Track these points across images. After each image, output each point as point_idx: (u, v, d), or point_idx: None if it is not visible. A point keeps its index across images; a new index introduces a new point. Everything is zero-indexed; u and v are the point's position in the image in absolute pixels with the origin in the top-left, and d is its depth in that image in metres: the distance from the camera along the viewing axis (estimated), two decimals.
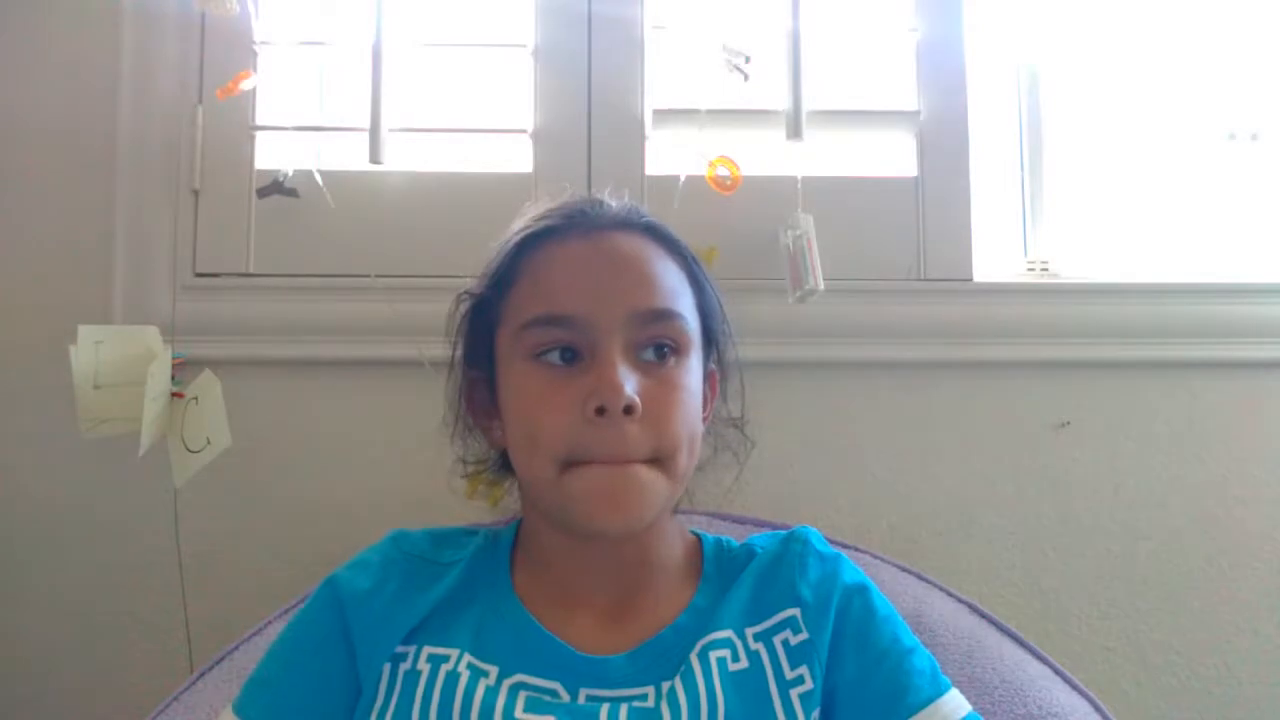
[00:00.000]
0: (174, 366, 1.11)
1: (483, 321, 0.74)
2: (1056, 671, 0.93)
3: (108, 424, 1.08)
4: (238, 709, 0.68)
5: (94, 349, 1.07)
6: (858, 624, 0.69)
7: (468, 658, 0.67)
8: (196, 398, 1.10)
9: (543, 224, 0.71)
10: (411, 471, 1.09)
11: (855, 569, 0.73)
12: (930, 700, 0.66)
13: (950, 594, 0.99)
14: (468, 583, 0.72)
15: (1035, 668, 0.92)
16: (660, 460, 0.66)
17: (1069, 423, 1.20)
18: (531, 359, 0.67)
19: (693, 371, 0.70)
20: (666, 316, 0.68)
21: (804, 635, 0.68)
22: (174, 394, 1.11)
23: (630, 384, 0.64)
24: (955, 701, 0.67)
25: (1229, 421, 1.20)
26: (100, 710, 1.14)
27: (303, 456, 1.17)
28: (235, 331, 1.16)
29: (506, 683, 0.65)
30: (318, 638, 0.70)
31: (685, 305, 0.70)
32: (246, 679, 0.71)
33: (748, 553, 0.74)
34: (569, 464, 0.65)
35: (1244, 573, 1.19)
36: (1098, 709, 0.90)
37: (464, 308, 0.77)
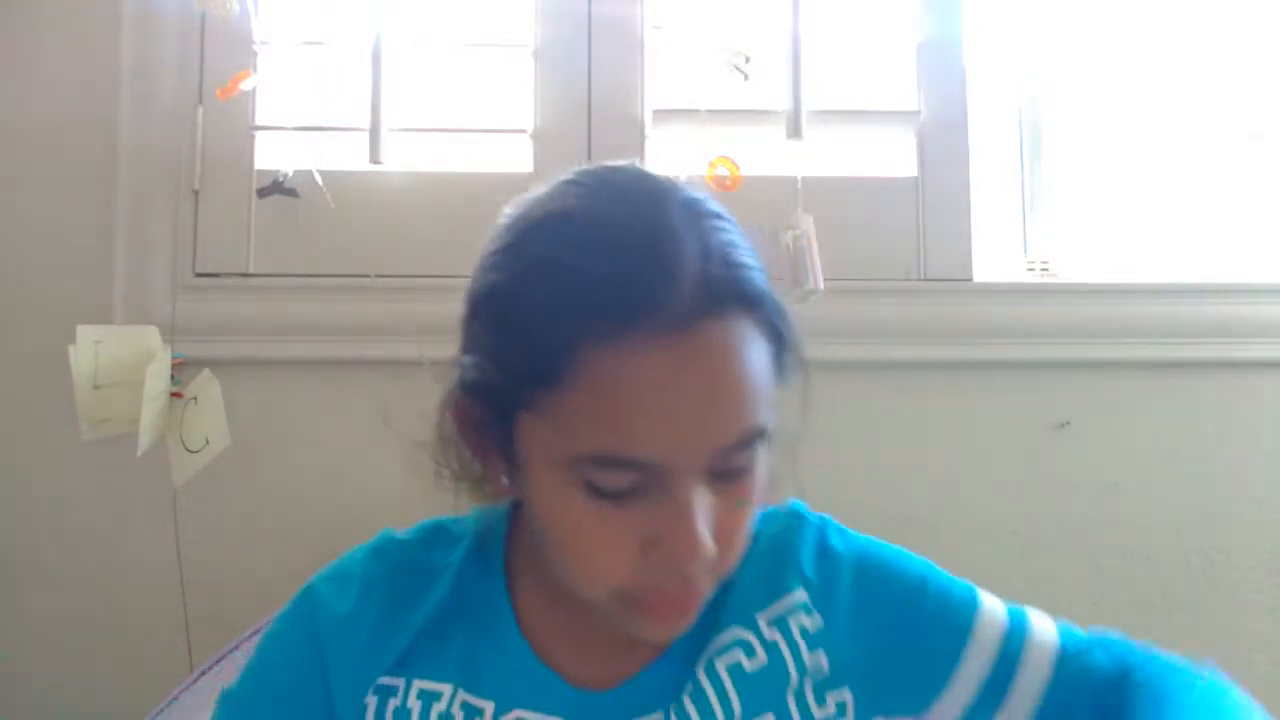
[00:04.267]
0: (174, 366, 1.11)
1: (492, 389, 0.58)
2: None
3: (108, 424, 1.08)
4: None
5: (94, 349, 1.07)
6: (866, 590, 0.67)
7: (461, 695, 0.63)
8: (196, 398, 1.10)
9: (610, 303, 0.50)
10: (411, 472, 1.09)
11: (845, 532, 0.71)
12: (964, 638, 0.64)
13: None
14: (458, 592, 0.67)
15: None
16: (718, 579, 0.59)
17: (1069, 423, 1.20)
18: (581, 485, 0.54)
19: (764, 462, 0.58)
20: (757, 436, 0.54)
21: (816, 617, 0.65)
22: (173, 394, 1.11)
23: (709, 531, 0.53)
24: (988, 617, 0.66)
25: (1228, 421, 1.20)
26: (101, 710, 1.13)
27: (302, 456, 1.17)
28: (235, 331, 1.16)
29: None
30: (290, 660, 0.67)
31: (771, 398, 0.56)
32: (223, 689, 0.68)
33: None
34: (624, 595, 0.57)
35: (1244, 573, 1.19)
36: None
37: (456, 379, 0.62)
